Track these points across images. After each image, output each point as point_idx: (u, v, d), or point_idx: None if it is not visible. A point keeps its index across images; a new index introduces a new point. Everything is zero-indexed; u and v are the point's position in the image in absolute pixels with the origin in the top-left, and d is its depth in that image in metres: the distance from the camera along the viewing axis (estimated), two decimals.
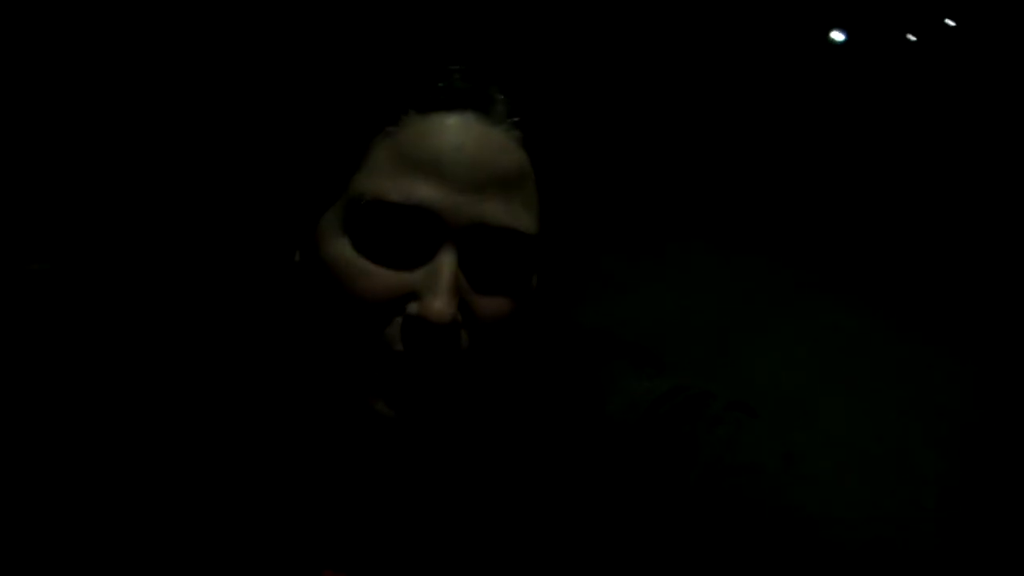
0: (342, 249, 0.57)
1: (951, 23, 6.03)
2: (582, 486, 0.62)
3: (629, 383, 0.63)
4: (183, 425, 0.64)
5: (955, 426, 2.85)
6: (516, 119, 0.58)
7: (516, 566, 0.62)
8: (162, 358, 0.66)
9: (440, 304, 0.54)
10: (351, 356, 0.58)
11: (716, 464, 0.57)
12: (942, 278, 4.09)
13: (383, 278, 0.56)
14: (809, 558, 0.53)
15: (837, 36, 6.27)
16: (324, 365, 0.61)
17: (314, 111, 0.62)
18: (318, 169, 0.60)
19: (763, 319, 3.54)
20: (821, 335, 3.47)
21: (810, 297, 3.82)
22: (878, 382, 3.21)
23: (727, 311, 3.58)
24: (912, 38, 6.16)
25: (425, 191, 0.55)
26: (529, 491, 0.63)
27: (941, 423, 2.86)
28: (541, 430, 0.64)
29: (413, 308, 0.55)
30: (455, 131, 0.56)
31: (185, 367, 0.65)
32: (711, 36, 6.07)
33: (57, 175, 4.96)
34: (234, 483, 0.63)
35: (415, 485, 0.63)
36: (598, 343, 0.68)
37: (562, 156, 0.59)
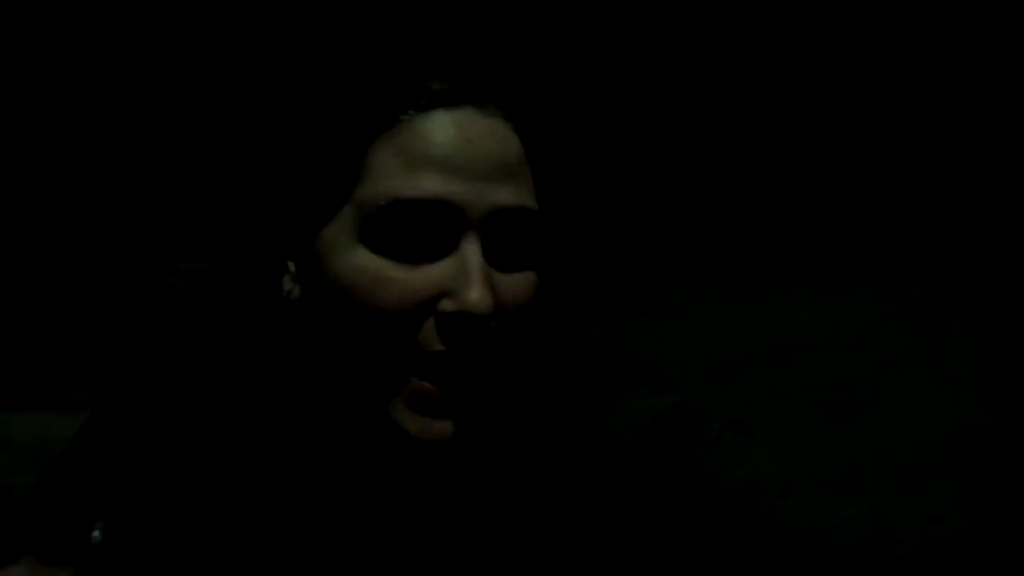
0: (358, 259, 0.56)
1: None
2: (582, 504, 0.62)
3: (630, 401, 0.63)
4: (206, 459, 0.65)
5: None
6: (508, 112, 0.59)
7: None
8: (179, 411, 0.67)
9: (477, 295, 0.54)
10: (382, 373, 0.57)
11: (714, 483, 0.56)
12: None
13: (409, 280, 0.56)
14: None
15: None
16: (348, 391, 0.60)
17: (305, 124, 0.62)
18: (312, 184, 0.60)
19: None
20: None
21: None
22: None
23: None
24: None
25: (441, 184, 0.55)
26: (528, 507, 0.62)
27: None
28: (541, 445, 0.64)
29: (448, 305, 0.55)
30: (458, 126, 0.57)
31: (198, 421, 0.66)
32: (713, 33, 6.04)
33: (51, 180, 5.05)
34: (255, 508, 0.63)
35: (432, 501, 0.63)
36: (599, 360, 0.68)
37: (553, 144, 0.61)
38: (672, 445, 0.59)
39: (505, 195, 0.57)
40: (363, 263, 0.56)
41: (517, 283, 0.58)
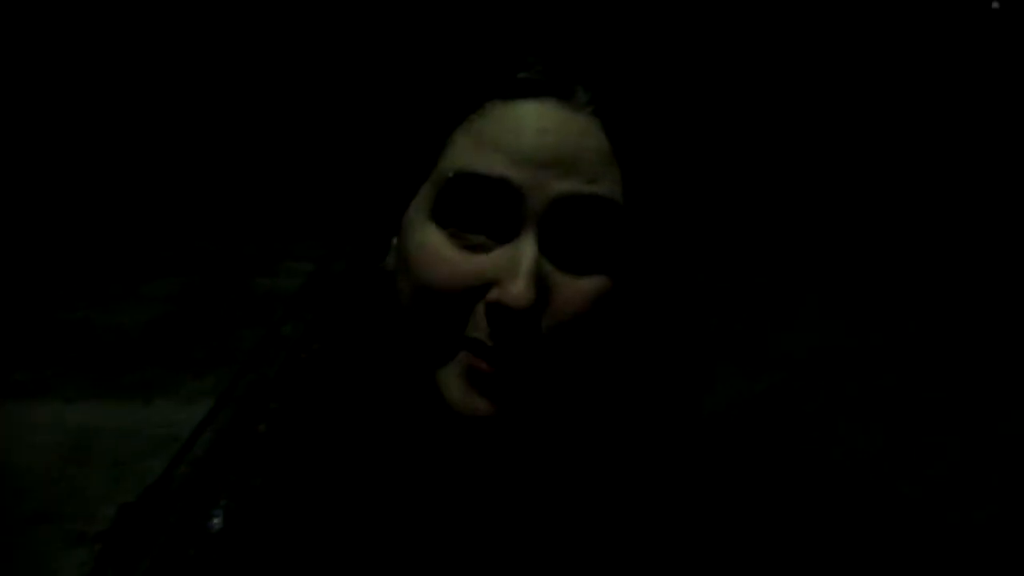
0: (426, 235, 0.58)
1: None
2: (677, 486, 0.62)
3: (729, 381, 0.64)
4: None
5: None
6: (596, 107, 0.58)
7: (605, 568, 0.61)
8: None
9: (517, 289, 0.53)
10: (438, 348, 0.58)
11: (814, 461, 0.56)
12: None
13: (464, 263, 0.56)
14: (920, 552, 0.50)
15: None
16: (413, 362, 0.61)
17: (401, 104, 0.63)
18: (404, 161, 0.62)
19: None
20: None
21: None
22: None
23: None
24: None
25: (507, 167, 0.55)
26: (617, 492, 0.62)
27: None
28: (634, 427, 0.63)
29: (493, 294, 0.55)
30: (536, 116, 0.57)
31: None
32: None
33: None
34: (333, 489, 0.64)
35: (499, 486, 0.63)
36: (699, 338, 0.67)
37: (647, 145, 0.59)
38: (770, 426, 0.60)
39: (571, 185, 0.55)
40: (428, 239, 0.57)
41: (580, 287, 0.56)
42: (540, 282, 0.54)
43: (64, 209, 5.10)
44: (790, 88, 6.07)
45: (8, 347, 3.51)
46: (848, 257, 4.63)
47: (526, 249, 0.55)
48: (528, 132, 0.56)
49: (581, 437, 0.63)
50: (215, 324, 3.77)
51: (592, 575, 0.61)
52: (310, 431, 0.67)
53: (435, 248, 0.57)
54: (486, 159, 0.56)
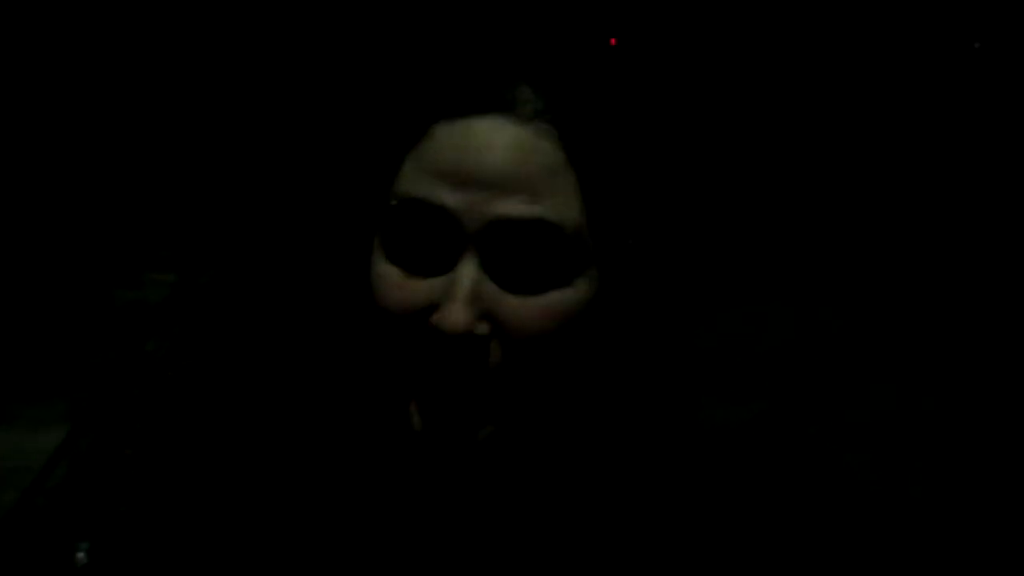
0: (379, 264, 0.58)
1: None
2: (659, 516, 0.61)
3: (714, 410, 0.64)
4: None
5: None
6: (548, 116, 0.56)
7: None
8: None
9: (452, 315, 0.53)
10: (390, 367, 0.58)
11: (805, 493, 0.57)
12: None
13: (410, 288, 0.56)
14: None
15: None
16: (369, 376, 0.62)
17: (350, 135, 0.64)
18: (356, 190, 0.62)
19: None
20: None
21: None
22: None
23: None
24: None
25: (444, 194, 0.55)
26: (598, 509, 0.62)
27: None
28: (612, 456, 0.63)
29: (433, 319, 0.55)
30: (480, 135, 0.56)
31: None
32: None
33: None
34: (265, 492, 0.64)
35: (449, 507, 0.62)
36: (683, 366, 0.67)
37: (605, 149, 0.58)
38: (759, 456, 0.60)
39: (512, 206, 0.54)
40: (380, 269, 0.57)
41: (532, 308, 0.55)
42: (480, 305, 0.54)
43: None
44: (769, 89, 6.10)
45: None
46: (835, 276, 4.68)
47: (463, 273, 0.54)
48: (469, 152, 0.55)
49: (559, 457, 0.63)
50: (69, 341, 3.52)
51: None
52: (186, 452, 0.66)
53: (388, 275, 0.57)
54: (425, 185, 0.55)
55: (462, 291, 0.54)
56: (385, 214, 0.57)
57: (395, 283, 0.56)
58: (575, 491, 0.62)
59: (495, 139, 0.56)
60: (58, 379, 3.14)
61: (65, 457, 2.23)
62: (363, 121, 0.63)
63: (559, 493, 0.62)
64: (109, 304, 3.91)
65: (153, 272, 4.25)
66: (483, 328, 0.54)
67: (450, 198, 0.55)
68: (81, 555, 0.62)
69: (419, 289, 0.56)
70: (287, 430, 0.66)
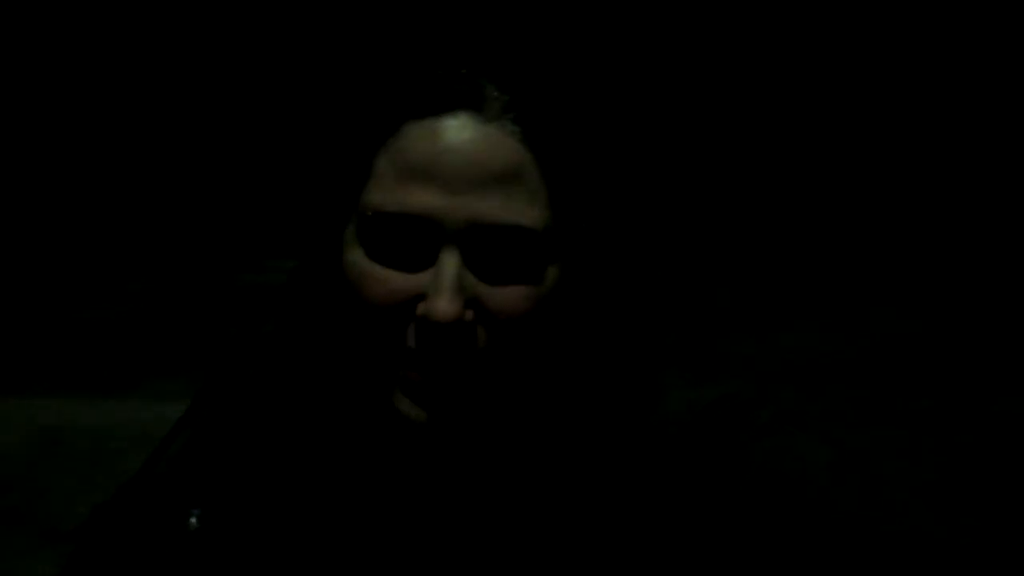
0: (357, 258, 0.60)
1: None
2: (624, 495, 0.64)
3: (678, 390, 0.64)
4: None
5: None
6: (512, 114, 0.58)
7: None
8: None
9: (441, 303, 0.56)
10: (375, 357, 0.61)
11: (762, 472, 0.56)
12: None
13: (394, 282, 0.58)
14: (855, 563, 0.51)
15: None
16: (353, 369, 0.64)
17: (320, 132, 0.64)
18: (333, 188, 0.63)
19: None
20: None
21: None
22: None
23: None
24: None
25: (420, 197, 0.57)
26: (563, 498, 0.64)
27: None
28: (581, 436, 0.66)
29: (421, 308, 0.57)
30: (448, 134, 0.57)
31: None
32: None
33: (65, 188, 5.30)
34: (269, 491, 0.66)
35: (443, 492, 0.65)
36: (647, 347, 0.68)
37: (568, 147, 0.59)
38: (720, 435, 0.60)
39: (491, 208, 0.57)
40: (358, 262, 0.59)
41: (506, 296, 0.58)
42: (465, 295, 0.57)
43: (43, 206, 5.02)
44: (745, 86, 5.99)
45: None
46: (800, 263, 4.62)
47: (446, 266, 0.57)
48: (439, 153, 0.57)
49: (529, 444, 0.65)
50: (195, 321, 3.72)
51: None
52: (274, 433, 0.68)
53: (366, 270, 0.59)
54: (399, 193, 0.57)
55: (448, 282, 0.56)
56: (362, 223, 0.59)
57: (379, 279, 0.58)
58: (552, 476, 0.65)
59: (463, 136, 0.57)
60: (182, 355, 3.33)
61: (186, 428, 2.34)
62: (334, 120, 0.63)
63: (540, 478, 0.65)
64: (232, 287, 4.10)
65: (275, 259, 4.43)
66: (469, 315, 0.57)
67: (427, 201, 0.57)
68: (193, 520, 0.65)
69: (403, 282, 0.58)
70: (287, 430, 0.67)
